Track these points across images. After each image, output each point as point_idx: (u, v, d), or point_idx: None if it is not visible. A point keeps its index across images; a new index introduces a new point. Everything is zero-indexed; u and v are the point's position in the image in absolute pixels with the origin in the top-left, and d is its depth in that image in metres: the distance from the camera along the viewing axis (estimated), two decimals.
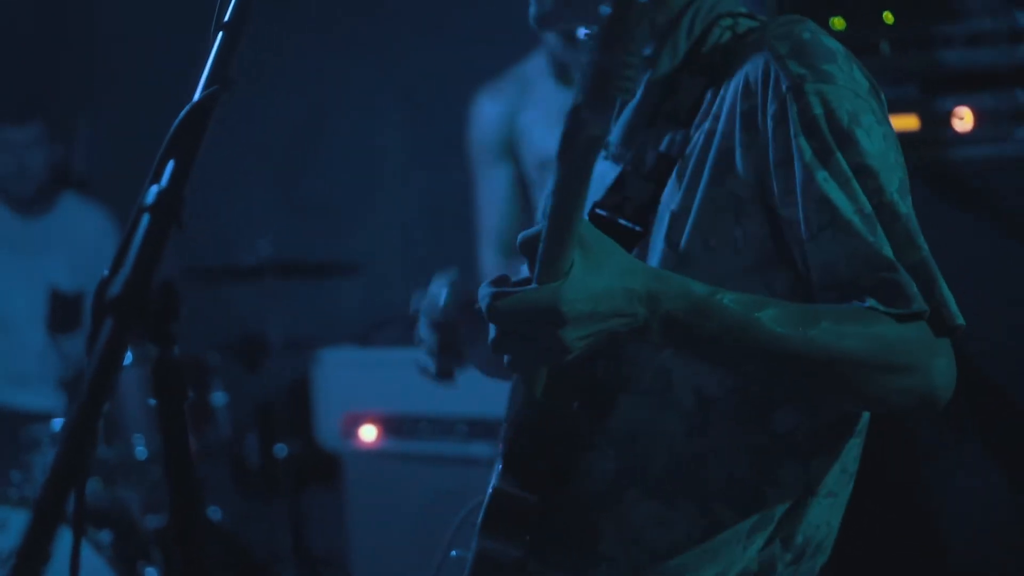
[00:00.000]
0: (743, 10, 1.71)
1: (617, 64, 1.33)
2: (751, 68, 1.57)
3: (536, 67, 3.73)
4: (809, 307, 1.50)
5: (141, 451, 3.95)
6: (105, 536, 3.72)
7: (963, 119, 3.07)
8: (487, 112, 3.82)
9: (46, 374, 4.56)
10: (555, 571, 1.67)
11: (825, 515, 1.66)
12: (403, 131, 5.23)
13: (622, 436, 1.63)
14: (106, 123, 5.52)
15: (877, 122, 1.56)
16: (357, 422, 4.27)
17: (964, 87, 3.07)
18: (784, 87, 1.53)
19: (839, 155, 1.52)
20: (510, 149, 3.76)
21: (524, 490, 1.60)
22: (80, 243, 4.79)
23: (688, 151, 1.63)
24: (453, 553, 1.78)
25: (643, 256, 1.64)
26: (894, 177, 1.55)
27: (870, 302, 1.48)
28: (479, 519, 1.63)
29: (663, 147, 1.66)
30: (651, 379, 1.62)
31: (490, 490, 1.60)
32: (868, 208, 1.51)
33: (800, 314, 1.47)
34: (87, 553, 3.44)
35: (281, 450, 4.60)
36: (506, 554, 1.63)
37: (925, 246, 1.53)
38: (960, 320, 1.52)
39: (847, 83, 1.55)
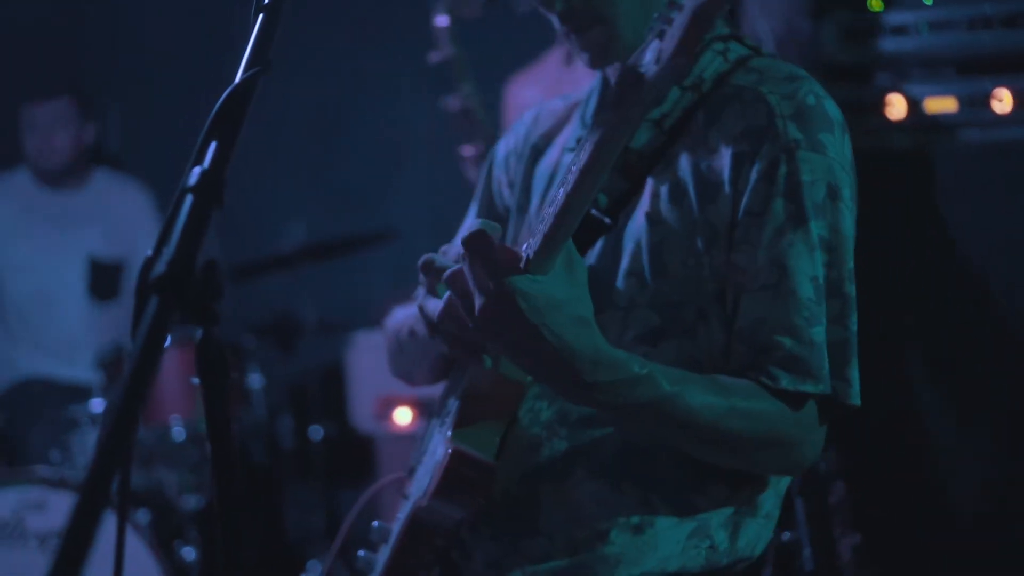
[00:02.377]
0: (727, 31, 1.76)
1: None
2: (751, 115, 1.64)
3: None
4: (712, 382, 1.57)
5: (178, 431, 3.97)
6: (142, 516, 3.74)
7: (1002, 100, 3.05)
8: (526, 96, 3.75)
9: (86, 346, 4.60)
10: (488, 542, 1.69)
11: (759, 533, 1.72)
12: (430, 114, 5.23)
13: (576, 419, 1.67)
14: (132, 103, 5.54)
15: (851, 198, 1.65)
16: (391, 405, 4.29)
17: (1003, 68, 3.06)
18: (779, 147, 1.61)
19: (812, 224, 1.60)
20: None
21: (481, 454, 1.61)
22: (115, 215, 4.82)
23: (675, 166, 1.68)
24: (375, 524, 1.76)
25: (611, 248, 1.70)
26: (850, 258, 1.64)
27: (772, 370, 1.57)
28: (430, 483, 1.62)
29: (643, 149, 1.71)
30: None
31: (449, 450, 1.60)
32: (821, 279, 1.59)
33: (711, 389, 1.56)
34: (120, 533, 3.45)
35: (315, 432, 4.62)
36: (448, 517, 1.63)
37: (854, 328, 1.62)
38: (857, 401, 1.62)
39: (837, 156, 1.63)
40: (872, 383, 1.73)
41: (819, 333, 1.58)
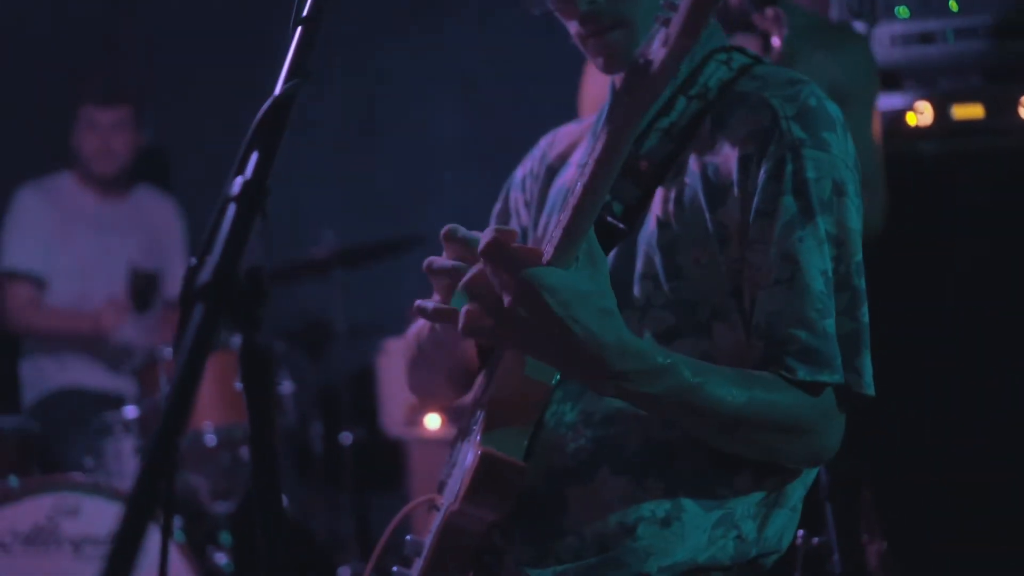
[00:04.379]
0: (727, 43, 1.83)
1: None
2: (756, 119, 1.69)
3: None
4: (733, 373, 1.61)
5: (210, 437, 4.00)
6: (175, 522, 3.77)
7: None
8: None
9: (122, 354, 4.64)
10: (519, 544, 1.72)
11: (786, 524, 1.76)
12: (461, 120, 5.26)
13: (599, 419, 1.71)
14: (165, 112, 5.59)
15: (856, 193, 1.70)
16: (422, 411, 4.31)
17: None
18: (785, 147, 1.66)
19: (820, 219, 1.65)
20: None
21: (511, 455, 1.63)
22: (152, 227, 4.87)
23: (684, 171, 1.73)
24: (408, 537, 1.79)
25: (626, 253, 1.74)
26: (858, 252, 1.68)
27: (790, 362, 1.62)
28: (460, 487, 1.64)
29: (654, 157, 1.76)
30: None
31: (479, 452, 1.62)
32: (831, 272, 1.65)
33: (732, 379, 1.59)
34: (158, 539, 3.48)
35: (346, 438, 4.64)
36: (479, 520, 1.65)
37: (864, 319, 1.67)
38: (870, 391, 1.66)
39: (840, 153, 1.69)
40: (901, 388, 1.74)
41: (831, 325, 1.63)
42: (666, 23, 1.40)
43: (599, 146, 1.48)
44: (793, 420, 1.62)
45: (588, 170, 1.49)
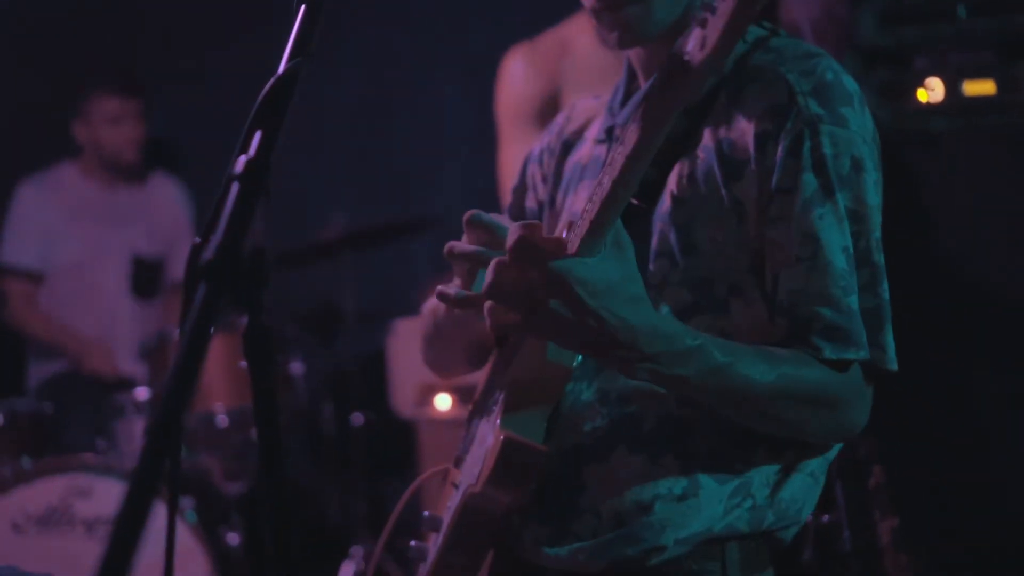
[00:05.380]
0: None
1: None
2: (772, 94, 1.68)
3: (578, 25, 3.49)
4: (761, 351, 1.62)
5: (221, 418, 4.01)
6: (187, 503, 3.79)
7: None
8: (518, 73, 3.63)
9: (126, 339, 4.66)
10: (537, 523, 1.73)
11: (805, 492, 1.75)
12: (472, 102, 5.25)
13: (616, 398, 1.71)
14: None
15: (875, 168, 1.69)
16: (432, 391, 4.30)
17: None
18: (802, 123, 1.65)
19: (839, 195, 1.65)
20: (543, 115, 3.47)
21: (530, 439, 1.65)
22: (158, 214, 4.89)
23: (698, 146, 1.72)
24: (426, 514, 1.79)
25: (641, 231, 1.73)
26: (877, 228, 1.68)
27: (815, 341, 1.62)
28: (481, 469, 1.66)
29: (671, 134, 1.72)
30: None
31: (501, 437, 1.63)
32: (851, 248, 1.64)
33: (761, 357, 1.60)
34: (165, 517, 3.50)
35: (357, 419, 4.65)
36: (499, 502, 1.66)
37: (885, 296, 1.67)
38: (894, 366, 1.66)
39: (858, 128, 1.68)
40: (914, 365, 1.74)
41: (855, 301, 1.63)
42: (703, 23, 1.38)
43: (629, 143, 1.47)
44: (822, 395, 1.62)
45: (618, 165, 1.49)
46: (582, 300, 1.48)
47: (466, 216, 1.69)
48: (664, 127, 1.46)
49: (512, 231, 1.49)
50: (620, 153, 1.49)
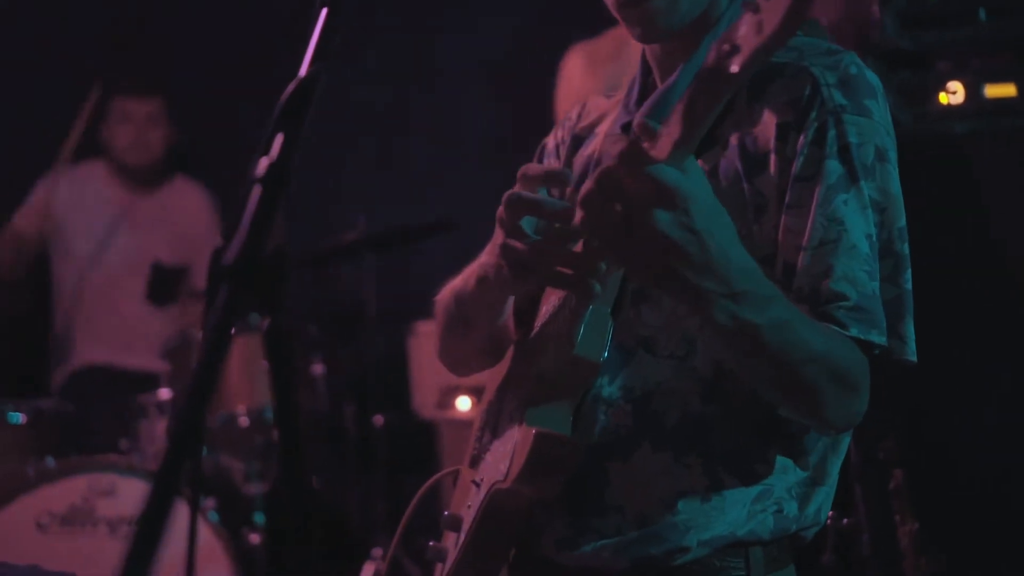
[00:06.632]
0: None
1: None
2: (796, 87, 1.67)
3: None
4: (809, 319, 1.58)
5: (244, 420, 4.03)
6: (209, 503, 3.81)
7: None
8: (577, 70, 3.70)
9: (144, 336, 4.68)
10: (559, 520, 1.72)
11: (824, 500, 1.75)
12: (492, 104, 5.26)
13: (640, 395, 1.70)
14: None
15: (896, 160, 1.69)
16: (453, 392, 4.32)
17: None
18: (827, 112, 1.65)
19: (864, 183, 1.64)
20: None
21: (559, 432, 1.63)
22: (181, 221, 4.90)
23: (721, 143, 1.71)
24: (446, 513, 1.79)
25: None
26: (900, 217, 1.68)
27: (841, 318, 1.59)
28: (511, 466, 1.64)
29: None
30: (675, 345, 1.70)
31: (532, 431, 1.61)
32: (875, 237, 1.64)
33: (810, 322, 1.57)
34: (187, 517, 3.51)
35: (378, 420, 4.66)
36: (527, 498, 1.65)
37: (908, 286, 1.66)
38: (913, 357, 1.65)
39: (881, 120, 1.68)
40: (935, 366, 1.74)
41: (878, 288, 1.62)
42: (756, 9, 1.31)
43: (672, 135, 1.40)
44: (849, 376, 1.60)
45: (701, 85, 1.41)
46: (692, 217, 1.40)
47: (521, 170, 1.67)
48: (714, 113, 1.40)
49: (618, 138, 1.46)
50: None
